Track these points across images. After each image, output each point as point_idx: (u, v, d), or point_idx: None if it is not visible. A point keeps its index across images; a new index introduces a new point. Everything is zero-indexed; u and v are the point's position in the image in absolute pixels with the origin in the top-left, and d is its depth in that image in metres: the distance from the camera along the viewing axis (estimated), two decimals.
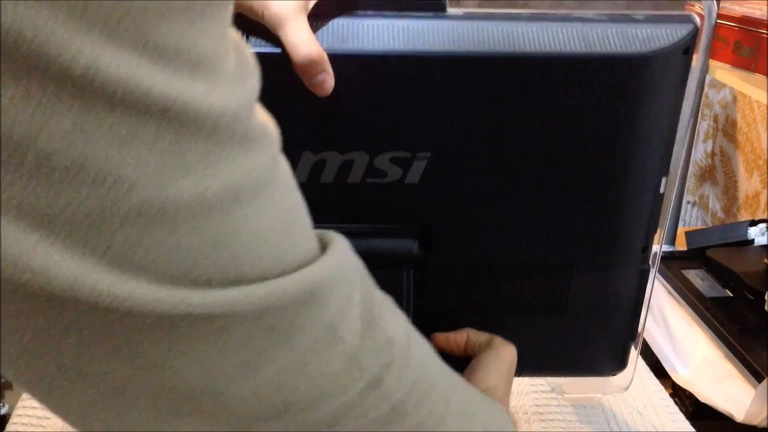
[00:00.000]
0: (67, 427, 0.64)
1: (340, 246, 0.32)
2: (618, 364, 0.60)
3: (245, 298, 0.26)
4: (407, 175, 0.49)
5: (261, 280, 0.27)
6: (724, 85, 1.94)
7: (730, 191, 1.98)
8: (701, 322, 1.28)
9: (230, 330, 0.26)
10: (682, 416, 0.80)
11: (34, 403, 0.71)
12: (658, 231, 0.58)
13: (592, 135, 0.49)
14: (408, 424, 0.34)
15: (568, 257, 0.53)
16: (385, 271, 0.36)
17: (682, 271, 1.36)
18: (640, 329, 0.59)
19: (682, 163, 1.49)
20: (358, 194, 0.49)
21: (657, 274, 1.39)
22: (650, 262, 0.57)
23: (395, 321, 0.35)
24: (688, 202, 2.14)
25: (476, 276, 0.54)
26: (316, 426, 0.31)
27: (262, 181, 0.27)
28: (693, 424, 0.79)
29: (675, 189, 1.44)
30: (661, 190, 0.53)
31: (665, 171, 0.53)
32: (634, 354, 0.60)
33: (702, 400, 1.21)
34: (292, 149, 0.30)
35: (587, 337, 0.58)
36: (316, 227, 0.32)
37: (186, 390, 0.27)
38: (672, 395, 1.50)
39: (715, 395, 1.20)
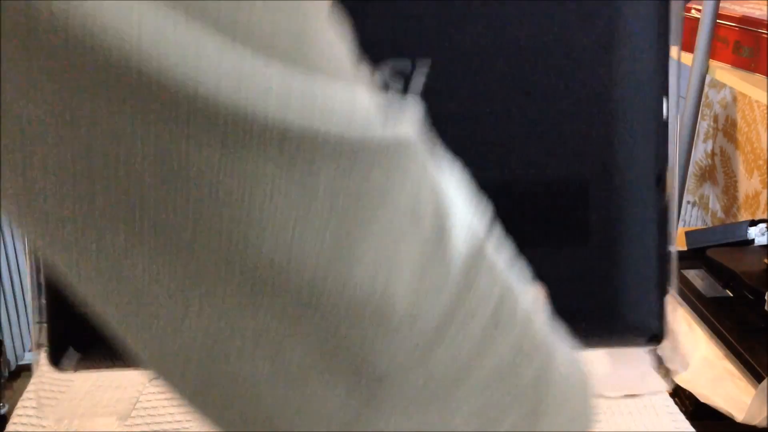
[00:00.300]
0: (65, 427, 0.64)
1: (414, 112, 0.27)
2: (653, 325, 0.58)
3: (331, 109, 0.21)
4: (408, 90, 0.50)
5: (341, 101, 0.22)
6: (724, 85, 1.94)
7: (730, 191, 1.98)
8: (701, 322, 1.28)
9: (314, 162, 0.21)
10: (682, 416, 0.80)
11: (34, 404, 0.71)
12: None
13: (584, 43, 0.51)
14: (512, 334, 0.28)
15: (582, 174, 0.53)
16: None
17: (682, 271, 1.36)
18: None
19: (682, 162, 1.48)
20: None
21: None
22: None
23: (468, 206, 0.28)
24: (688, 202, 2.14)
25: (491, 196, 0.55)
26: (429, 339, 0.24)
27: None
28: (693, 424, 0.79)
29: (675, 188, 1.44)
30: (664, 114, 0.54)
31: (665, 91, 0.54)
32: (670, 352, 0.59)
33: (702, 400, 1.21)
34: None
35: (615, 276, 0.56)
36: None
37: (261, 264, 0.21)
38: (672, 395, 1.50)
39: (715, 395, 1.20)
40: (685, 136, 1.42)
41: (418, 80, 0.49)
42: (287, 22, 0.21)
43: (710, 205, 2.08)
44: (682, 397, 1.42)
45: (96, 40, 0.18)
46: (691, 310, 1.30)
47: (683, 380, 1.25)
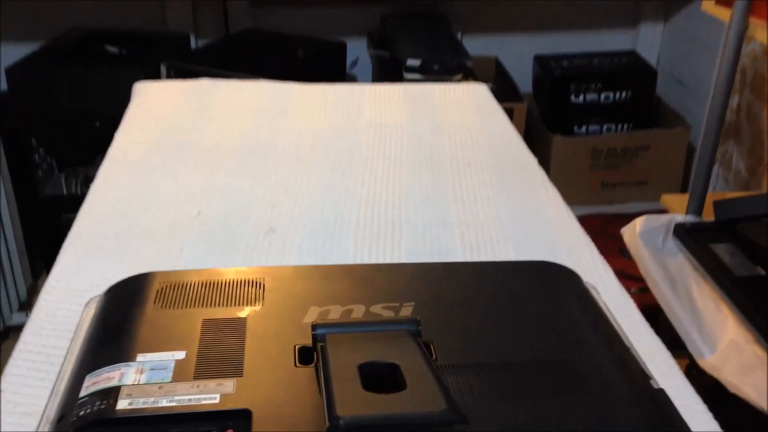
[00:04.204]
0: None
1: None
2: None
3: None
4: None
5: None
6: (752, 37, 1.81)
7: (755, 151, 1.87)
8: (730, 302, 1.19)
9: None
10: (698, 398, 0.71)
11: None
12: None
13: None
14: None
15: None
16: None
17: (709, 245, 1.27)
18: None
19: (715, 125, 1.36)
20: None
21: (682, 247, 1.29)
22: None
23: None
24: None
25: (487, 376, 0.54)
26: None
27: None
28: (709, 407, 0.70)
29: (706, 151, 1.31)
30: None
31: None
32: None
33: (729, 388, 1.13)
34: None
35: None
36: None
37: None
38: (686, 372, 1.43)
39: (744, 384, 1.12)
40: (719, 96, 1.30)
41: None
42: None
43: (733, 164, 1.97)
44: (697, 375, 1.34)
45: None
46: (718, 288, 1.21)
47: (709, 366, 1.17)
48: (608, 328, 0.68)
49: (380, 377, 0.49)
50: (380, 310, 0.63)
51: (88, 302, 0.71)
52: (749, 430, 1.22)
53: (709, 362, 1.17)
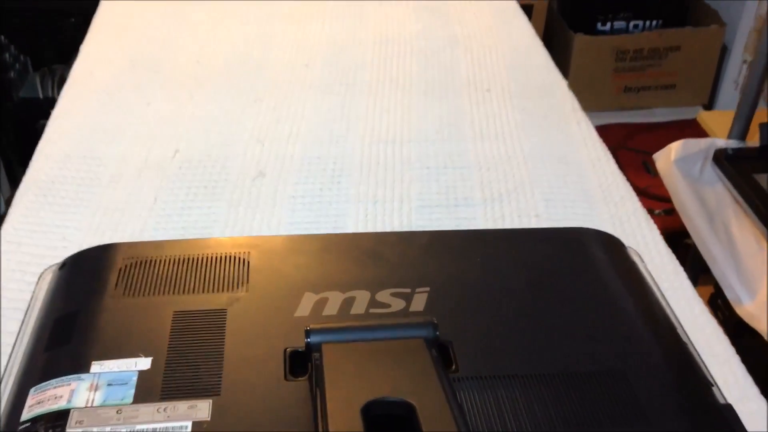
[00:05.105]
0: None
1: None
2: None
3: None
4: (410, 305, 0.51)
5: None
6: None
7: None
8: None
9: None
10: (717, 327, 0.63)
11: None
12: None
13: None
14: None
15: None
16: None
17: (753, 175, 1.13)
18: None
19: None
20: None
21: (722, 176, 1.16)
22: None
23: None
24: (744, 62, 1.86)
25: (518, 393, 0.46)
26: None
27: None
28: (734, 342, 0.63)
29: (760, 63, 1.13)
30: None
31: None
32: None
33: None
34: None
35: None
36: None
37: None
38: (710, 301, 1.33)
39: None
40: None
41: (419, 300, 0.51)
42: None
43: None
44: (718, 308, 1.25)
45: None
46: (761, 224, 1.09)
47: (746, 314, 1.06)
48: (661, 316, 0.58)
49: (389, 416, 0.41)
50: (388, 299, 0.54)
51: (42, 275, 0.61)
52: None
53: (746, 309, 1.06)
